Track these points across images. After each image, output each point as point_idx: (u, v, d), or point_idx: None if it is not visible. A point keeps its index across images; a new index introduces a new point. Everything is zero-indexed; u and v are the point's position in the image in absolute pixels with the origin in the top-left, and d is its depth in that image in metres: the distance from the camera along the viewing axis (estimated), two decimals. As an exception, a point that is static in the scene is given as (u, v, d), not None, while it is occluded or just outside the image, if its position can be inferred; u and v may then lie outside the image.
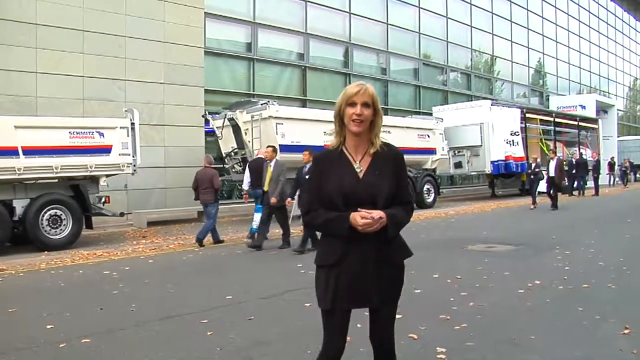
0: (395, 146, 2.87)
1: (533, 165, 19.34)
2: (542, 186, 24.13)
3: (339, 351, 2.72)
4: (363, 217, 2.55)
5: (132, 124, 12.43)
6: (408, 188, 2.89)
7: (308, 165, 9.86)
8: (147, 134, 15.09)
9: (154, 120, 16.41)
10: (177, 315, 5.75)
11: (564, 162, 18.92)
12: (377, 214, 2.56)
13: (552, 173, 17.77)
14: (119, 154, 12.12)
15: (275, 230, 11.57)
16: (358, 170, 2.70)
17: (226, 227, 14.49)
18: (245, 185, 12.37)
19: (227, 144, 16.41)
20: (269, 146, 11.34)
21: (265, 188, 10.83)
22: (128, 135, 12.29)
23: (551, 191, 18.09)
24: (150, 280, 7.84)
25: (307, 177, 9.33)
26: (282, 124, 15.06)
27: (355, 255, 2.64)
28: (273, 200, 10.39)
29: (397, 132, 17.77)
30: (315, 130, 15.85)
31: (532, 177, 19.20)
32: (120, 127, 12.20)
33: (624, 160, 34.58)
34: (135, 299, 6.60)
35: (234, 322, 5.47)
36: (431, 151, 20.40)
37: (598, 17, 48.38)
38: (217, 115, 16.93)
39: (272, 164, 10.85)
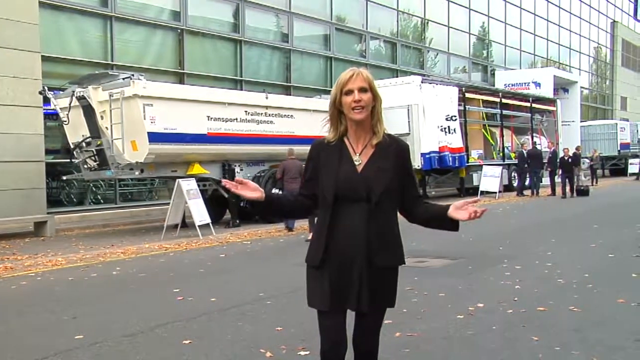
0: (400, 138, 3.43)
1: None
2: (492, 184, 24.88)
3: (332, 348, 3.41)
4: None
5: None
6: (416, 183, 3.51)
7: None
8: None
9: (-33, 97, 15.63)
10: (5, 366, 5.54)
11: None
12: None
13: None
14: None
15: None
16: (357, 163, 3.29)
17: (77, 243, 14.09)
18: None
19: (77, 131, 15.92)
20: None
21: None
22: None
23: None
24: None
25: None
26: (151, 105, 14.84)
27: (336, 257, 3.26)
28: None
29: (302, 117, 17.92)
30: (195, 113, 15.72)
31: None
32: None
33: (593, 150, 35.06)
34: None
35: (86, 370, 5.34)
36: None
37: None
38: (61, 92, 16.42)
39: None
